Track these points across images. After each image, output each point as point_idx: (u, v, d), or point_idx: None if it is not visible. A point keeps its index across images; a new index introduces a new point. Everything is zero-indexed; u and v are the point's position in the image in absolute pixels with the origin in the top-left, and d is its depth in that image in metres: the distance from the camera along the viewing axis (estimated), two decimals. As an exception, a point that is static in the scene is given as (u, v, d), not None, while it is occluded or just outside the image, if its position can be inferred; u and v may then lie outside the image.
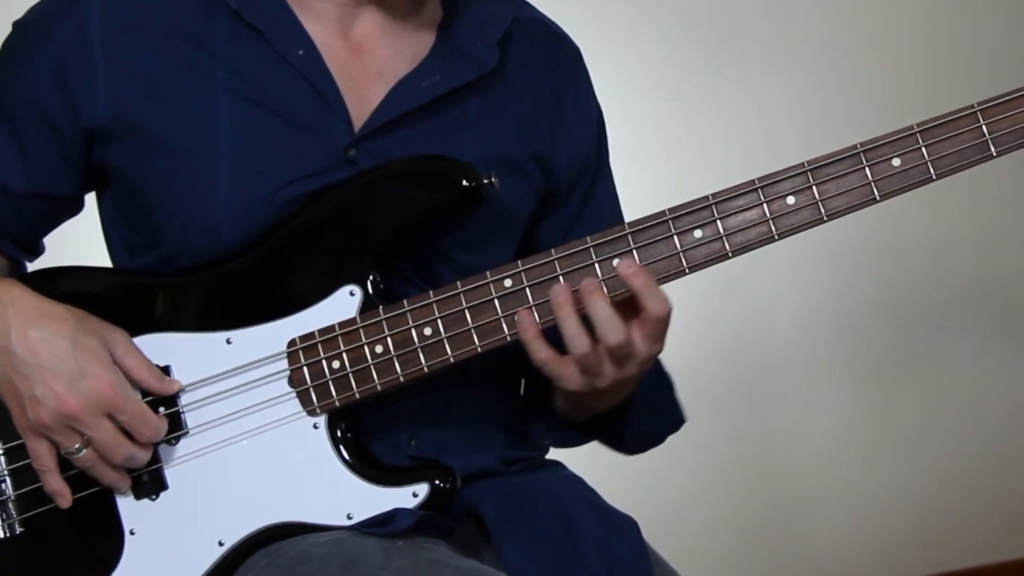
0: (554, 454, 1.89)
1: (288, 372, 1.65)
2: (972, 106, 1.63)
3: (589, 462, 1.90)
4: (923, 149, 1.62)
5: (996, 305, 3.53)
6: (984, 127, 1.62)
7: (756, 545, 3.46)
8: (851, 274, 3.45)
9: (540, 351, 1.62)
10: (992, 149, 1.63)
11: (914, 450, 3.51)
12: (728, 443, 3.38)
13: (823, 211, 1.63)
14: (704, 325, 3.29)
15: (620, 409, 1.76)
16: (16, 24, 1.74)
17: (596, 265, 1.63)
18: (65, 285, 1.70)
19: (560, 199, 1.83)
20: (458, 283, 1.64)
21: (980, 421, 3.54)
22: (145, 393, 1.66)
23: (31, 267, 1.81)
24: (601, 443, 1.85)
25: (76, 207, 1.81)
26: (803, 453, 3.48)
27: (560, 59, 1.84)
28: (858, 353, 3.48)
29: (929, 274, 3.50)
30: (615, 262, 1.61)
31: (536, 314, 1.63)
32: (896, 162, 1.63)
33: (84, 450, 1.62)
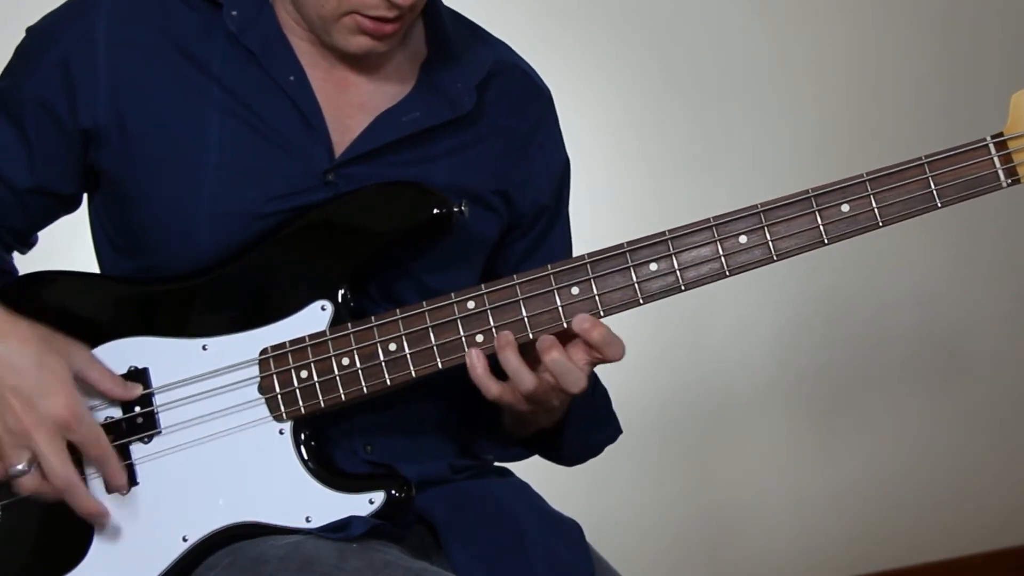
0: (500, 462, 1.95)
1: (258, 379, 1.70)
2: (920, 158, 1.68)
3: (535, 469, 1.96)
4: (871, 197, 1.68)
5: (921, 339, 3.61)
6: (931, 179, 1.68)
7: (694, 547, 3.52)
8: (790, 301, 3.52)
9: (492, 387, 1.68)
10: (937, 200, 1.68)
11: (843, 461, 3.59)
12: (668, 451, 3.43)
13: (773, 251, 1.69)
14: (649, 342, 3.33)
15: (560, 425, 1.83)
16: (29, 29, 1.80)
17: (555, 292, 1.69)
18: (53, 289, 1.76)
19: (518, 232, 1.89)
20: (423, 303, 1.69)
21: (901, 436, 3.62)
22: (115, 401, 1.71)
23: (22, 268, 1.86)
24: (542, 456, 1.92)
25: (73, 205, 1.85)
26: (739, 462, 3.54)
27: (532, 105, 1.89)
28: (792, 372, 3.55)
29: (863, 307, 3.58)
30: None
31: (495, 335, 1.68)
32: (845, 208, 1.68)
33: (26, 475, 1.63)
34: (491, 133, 1.84)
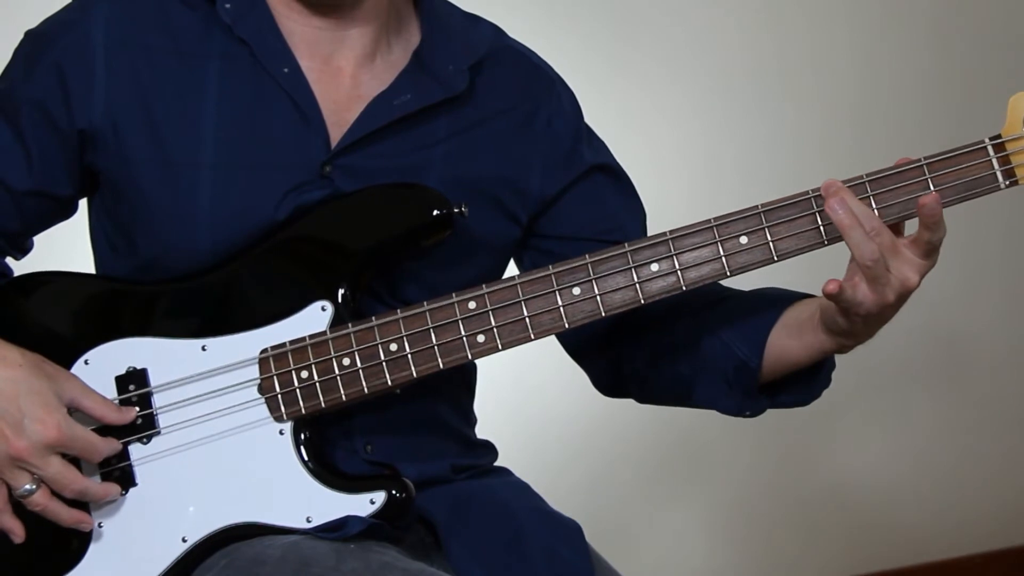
0: (500, 461, 1.94)
1: (259, 380, 1.70)
2: (919, 160, 1.69)
3: (535, 469, 1.97)
4: (872, 198, 1.68)
5: (923, 340, 3.60)
6: (930, 180, 1.68)
7: (694, 547, 3.52)
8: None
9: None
10: (936, 201, 1.68)
11: (843, 461, 3.59)
12: (668, 451, 3.42)
13: (774, 252, 1.69)
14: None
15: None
16: (28, 33, 1.80)
17: (557, 292, 1.69)
18: (50, 290, 1.75)
19: (550, 215, 1.87)
20: (424, 303, 1.69)
21: (901, 436, 3.63)
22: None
23: (17, 269, 1.85)
24: (780, 403, 1.98)
25: (70, 210, 1.85)
26: (738, 462, 3.53)
27: (532, 86, 1.87)
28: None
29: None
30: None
31: (497, 335, 1.69)
32: (844, 208, 1.67)
33: (36, 492, 1.65)
34: (489, 116, 1.83)
